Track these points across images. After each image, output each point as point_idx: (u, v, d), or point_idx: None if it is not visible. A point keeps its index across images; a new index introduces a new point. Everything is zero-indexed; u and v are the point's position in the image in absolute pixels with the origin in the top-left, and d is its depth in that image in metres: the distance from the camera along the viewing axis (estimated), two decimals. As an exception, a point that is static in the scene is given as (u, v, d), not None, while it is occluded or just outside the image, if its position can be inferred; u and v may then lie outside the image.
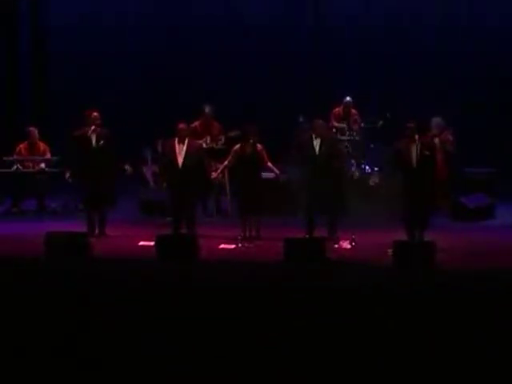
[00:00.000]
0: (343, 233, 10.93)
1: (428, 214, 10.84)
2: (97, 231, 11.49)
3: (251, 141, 11.20)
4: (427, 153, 10.64)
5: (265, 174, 11.89)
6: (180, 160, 11.14)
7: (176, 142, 11.24)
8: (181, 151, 11.18)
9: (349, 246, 10.59)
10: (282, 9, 15.82)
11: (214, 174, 11.78)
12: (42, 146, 13.52)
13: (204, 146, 13.07)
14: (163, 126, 13.93)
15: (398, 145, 10.85)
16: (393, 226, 10.94)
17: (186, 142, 11.23)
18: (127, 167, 12.20)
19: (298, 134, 12.85)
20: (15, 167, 13.37)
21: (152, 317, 7.20)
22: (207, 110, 13.30)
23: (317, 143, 11.20)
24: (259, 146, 11.29)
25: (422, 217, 10.64)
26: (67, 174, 11.75)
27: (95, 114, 11.53)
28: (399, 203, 10.79)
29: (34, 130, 13.51)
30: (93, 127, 11.41)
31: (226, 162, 11.53)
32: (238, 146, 11.37)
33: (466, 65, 15.43)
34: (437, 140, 12.93)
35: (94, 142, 11.51)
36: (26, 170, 13.36)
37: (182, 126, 11.29)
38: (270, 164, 11.41)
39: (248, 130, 11.31)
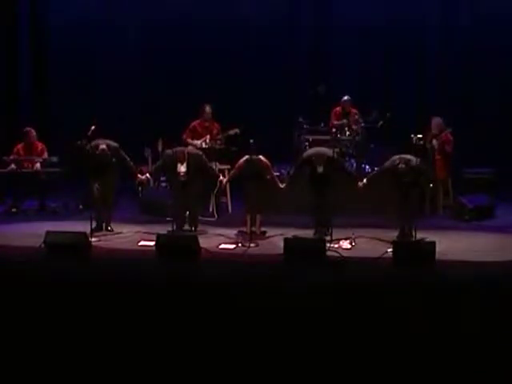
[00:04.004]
0: (343, 233, 10.94)
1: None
2: (104, 227, 11.70)
3: (253, 157, 11.27)
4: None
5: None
6: (182, 172, 11.40)
7: (177, 161, 11.42)
8: (182, 167, 11.44)
9: (349, 246, 10.60)
10: (282, 9, 15.82)
11: (221, 178, 11.91)
12: (39, 146, 13.50)
13: (204, 145, 13.11)
14: (163, 126, 13.97)
15: None
16: (392, 226, 10.98)
17: (186, 157, 11.38)
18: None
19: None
20: (11, 167, 13.35)
21: (152, 317, 7.20)
22: (207, 109, 13.32)
23: None
24: (263, 159, 11.37)
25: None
26: None
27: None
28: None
29: (32, 131, 13.50)
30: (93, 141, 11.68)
31: (231, 174, 11.80)
32: (243, 160, 11.41)
33: (467, 65, 15.45)
34: (435, 141, 13.00)
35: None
36: (24, 170, 13.34)
37: (180, 149, 11.53)
38: (272, 175, 11.51)
39: (251, 147, 11.33)
